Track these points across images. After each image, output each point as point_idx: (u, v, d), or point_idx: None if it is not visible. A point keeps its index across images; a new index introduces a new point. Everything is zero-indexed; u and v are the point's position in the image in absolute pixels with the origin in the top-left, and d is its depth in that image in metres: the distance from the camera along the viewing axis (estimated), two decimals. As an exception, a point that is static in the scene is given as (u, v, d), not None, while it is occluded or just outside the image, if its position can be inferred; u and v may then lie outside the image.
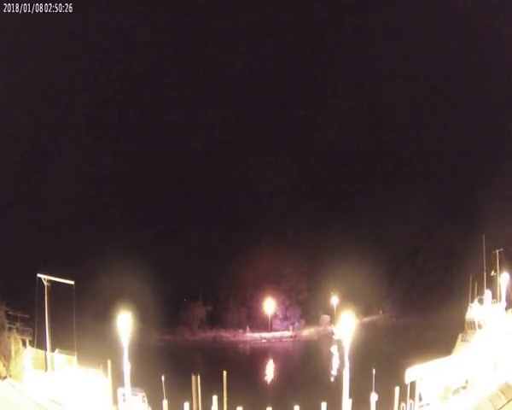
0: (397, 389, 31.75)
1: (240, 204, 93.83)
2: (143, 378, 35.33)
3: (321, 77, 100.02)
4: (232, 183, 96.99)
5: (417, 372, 31.74)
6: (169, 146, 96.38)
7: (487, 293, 35.21)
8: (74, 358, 32.29)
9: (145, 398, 34.30)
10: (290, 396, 35.99)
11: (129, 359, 29.66)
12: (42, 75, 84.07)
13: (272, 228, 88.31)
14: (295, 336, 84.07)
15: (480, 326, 33.74)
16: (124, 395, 32.11)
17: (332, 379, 52.84)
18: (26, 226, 76.90)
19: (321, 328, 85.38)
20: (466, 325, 35.02)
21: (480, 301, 34.96)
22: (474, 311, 34.56)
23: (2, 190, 70.90)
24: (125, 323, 29.42)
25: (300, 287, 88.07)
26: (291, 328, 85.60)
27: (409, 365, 32.14)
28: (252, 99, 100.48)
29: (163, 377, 33.32)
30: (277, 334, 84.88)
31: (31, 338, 32.19)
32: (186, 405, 33.22)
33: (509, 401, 29.72)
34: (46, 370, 31.28)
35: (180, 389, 34.51)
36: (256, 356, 75.32)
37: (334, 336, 76.13)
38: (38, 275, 30.64)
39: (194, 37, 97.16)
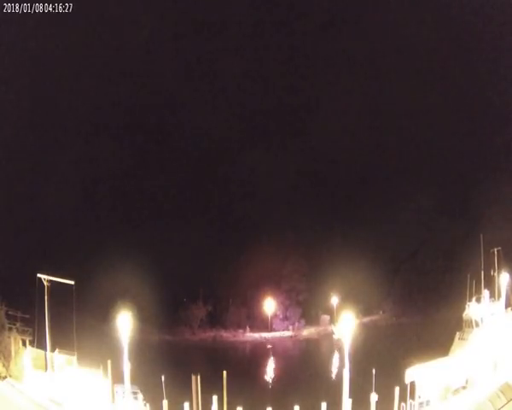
0: (397, 389, 31.77)
1: (240, 204, 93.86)
2: (143, 378, 35.35)
3: (322, 77, 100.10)
4: (232, 183, 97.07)
5: (417, 372, 31.75)
6: (169, 146, 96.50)
7: (485, 292, 35.28)
8: (74, 358, 32.31)
9: (140, 395, 34.29)
10: (290, 396, 35.94)
11: (129, 359, 29.67)
12: (42, 75, 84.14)
13: (272, 228, 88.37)
14: (295, 336, 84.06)
15: (477, 324, 33.82)
16: (119, 393, 32.18)
17: (332, 379, 52.81)
18: (26, 226, 76.96)
19: (321, 328, 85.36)
20: (463, 324, 35.11)
21: (478, 299, 35.03)
22: (472, 309, 34.62)
23: (2, 190, 70.96)
24: (125, 323, 29.43)
25: (300, 287, 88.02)
26: (291, 328, 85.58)
27: (409, 365, 32.14)
28: (252, 99, 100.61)
29: (163, 377, 33.33)
30: (277, 334, 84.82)
31: (31, 338, 32.24)
32: (186, 405, 33.23)
33: (509, 401, 29.72)
34: (46, 370, 31.29)
35: (180, 389, 34.53)
36: (256, 356, 75.27)
37: (334, 336, 76.11)
38: (38, 275, 30.64)
39: (195, 36, 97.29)
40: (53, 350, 31.84)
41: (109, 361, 32.38)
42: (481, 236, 38.40)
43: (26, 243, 73.14)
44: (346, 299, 76.41)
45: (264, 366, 66.83)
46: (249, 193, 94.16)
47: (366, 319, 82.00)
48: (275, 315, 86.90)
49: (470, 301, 35.27)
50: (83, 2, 71.96)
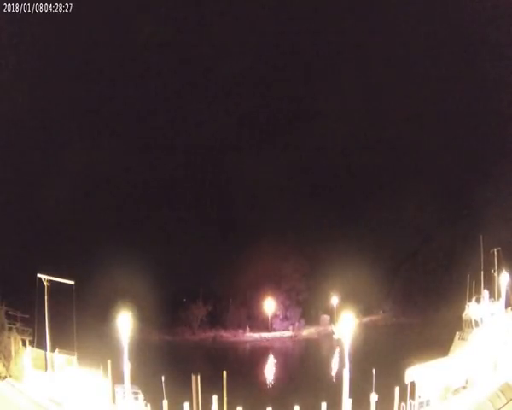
0: (397, 389, 31.77)
1: (240, 204, 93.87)
2: (143, 378, 35.36)
3: (322, 77, 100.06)
4: (232, 183, 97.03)
5: (417, 372, 31.76)
6: (169, 146, 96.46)
7: (485, 292, 35.30)
8: (74, 358, 32.31)
9: (141, 395, 34.33)
10: (290, 396, 35.95)
11: (129, 359, 29.68)
12: (42, 75, 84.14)
13: (272, 228, 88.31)
14: (295, 336, 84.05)
15: (476, 324, 33.84)
16: (119, 393, 32.22)
17: (332, 379, 52.83)
18: (26, 226, 76.95)
19: (321, 328, 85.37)
20: (463, 324, 35.13)
21: (478, 299, 35.05)
22: (472, 309, 34.65)
23: (3, 190, 70.96)
24: (125, 323, 29.44)
25: (300, 287, 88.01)
26: (291, 328, 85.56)
27: (409, 365, 32.15)
28: (252, 99, 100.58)
29: (163, 377, 33.35)
30: (277, 334, 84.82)
31: (31, 338, 32.24)
32: (186, 405, 33.25)
33: (509, 401, 29.75)
34: (46, 370, 31.30)
35: (180, 389, 34.52)
36: (256, 356, 75.30)
37: (334, 336, 76.15)
38: (38, 275, 30.65)
39: (195, 36, 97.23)
40: (53, 350, 31.85)
41: (109, 361, 32.39)
42: (481, 236, 38.42)
43: (26, 243, 73.13)
44: (346, 299, 76.40)
45: (264, 366, 66.86)
46: (249, 193, 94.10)
47: (366, 319, 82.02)
48: (275, 315, 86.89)
49: (470, 301, 35.30)
50: (83, 2, 71.97)
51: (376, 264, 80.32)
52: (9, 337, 31.03)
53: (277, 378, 59.25)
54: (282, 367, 66.42)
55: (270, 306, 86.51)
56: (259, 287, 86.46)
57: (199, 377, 33.66)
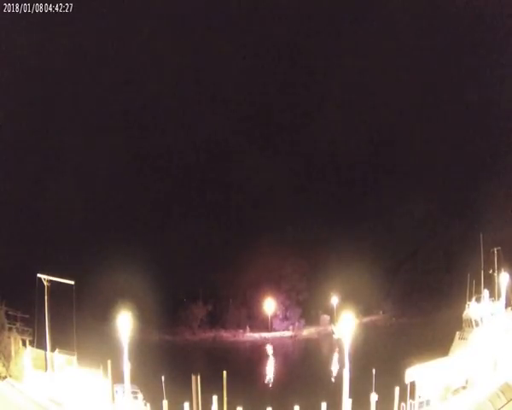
0: (397, 389, 31.77)
1: (240, 204, 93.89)
2: (143, 378, 35.36)
3: (322, 77, 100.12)
4: (232, 183, 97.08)
5: (417, 372, 31.76)
6: (169, 146, 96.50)
7: (485, 291, 35.31)
8: (74, 358, 32.32)
9: (140, 394, 34.35)
10: (290, 396, 35.93)
11: (129, 359, 29.66)
12: (41, 75, 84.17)
13: (272, 228, 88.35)
14: (295, 336, 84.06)
15: (477, 324, 33.86)
16: (117, 392, 32.24)
17: (332, 379, 52.83)
18: (26, 226, 77.00)
19: (321, 328, 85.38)
20: (463, 323, 35.14)
21: (478, 299, 35.06)
22: (472, 309, 34.65)
23: (3, 191, 71.00)
24: (125, 323, 29.42)
25: (300, 287, 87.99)
26: (291, 328, 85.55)
27: (409, 365, 32.15)
28: (252, 98, 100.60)
29: (163, 377, 33.35)
30: (277, 334, 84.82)
31: (31, 338, 32.25)
32: (186, 405, 33.25)
33: (508, 401, 29.76)
34: (46, 370, 31.30)
35: (180, 389, 34.51)
36: (256, 356, 75.28)
37: (334, 336, 76.16)
38: (38, 275, 30.65)
39: (194, 36, 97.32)
40: (53, 350, 31.85)
41: (109, 361, 32.38)
42: (481, 235, 38.42)
43: (26, 243, 73.16)
44: (346, 299, 76.35)
45: (264, 366, 66.86)
46: (249, 193, 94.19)
47: (366, 319, 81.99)
48: (275, 315, 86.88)
49: (470, 300, 35.30)
50: (83, 2, 71.97)
51: (376, 264, 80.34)
52: (9, 337, 31.04)
53: (277, 378, 59.26)
54: (282, 367, 66.41)
55: (270, 306, 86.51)
56: (259, 287, 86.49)
57: (199, 377, 33.65)
